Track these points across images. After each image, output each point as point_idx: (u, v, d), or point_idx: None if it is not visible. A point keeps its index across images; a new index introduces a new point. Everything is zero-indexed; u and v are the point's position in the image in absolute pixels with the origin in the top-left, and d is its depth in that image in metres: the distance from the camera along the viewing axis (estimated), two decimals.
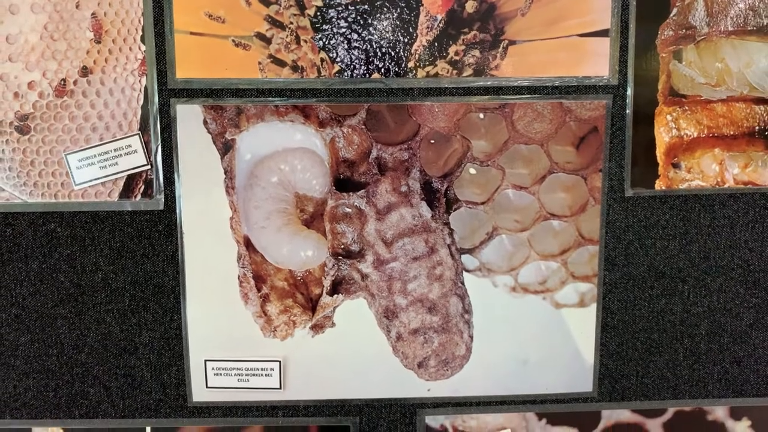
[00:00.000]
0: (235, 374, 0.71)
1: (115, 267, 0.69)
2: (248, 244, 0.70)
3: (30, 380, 0.71)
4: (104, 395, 0.72)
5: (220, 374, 0.71)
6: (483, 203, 0.70)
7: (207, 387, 0.71)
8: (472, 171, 0.69)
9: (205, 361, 0.71)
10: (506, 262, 0.71)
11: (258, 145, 0.68)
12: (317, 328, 0.71)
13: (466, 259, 0.70)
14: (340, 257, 0.70)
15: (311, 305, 0.71)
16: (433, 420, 0.73)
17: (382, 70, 0.67)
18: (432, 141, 0.68)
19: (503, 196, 0.70)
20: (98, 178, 0.68)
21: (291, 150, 0.69)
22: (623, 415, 0.74)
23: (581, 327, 0.72)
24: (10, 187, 0.68)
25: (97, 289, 0.70)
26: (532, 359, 0.72)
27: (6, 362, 0.71)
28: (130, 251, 0.69)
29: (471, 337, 0.72)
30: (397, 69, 0.67)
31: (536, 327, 0.72)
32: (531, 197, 0.70)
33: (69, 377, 0.71)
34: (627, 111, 0.69)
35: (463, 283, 0.71)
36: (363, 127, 0.68)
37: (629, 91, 0.68)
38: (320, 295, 0.71)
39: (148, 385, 0.72)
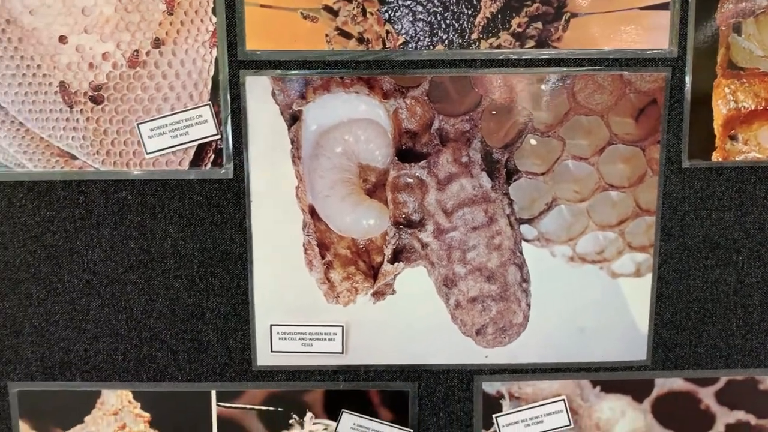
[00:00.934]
0: (299, 339, 0.73)
1: (184, 234, 0.72)
2: (313, 212, 0.72)
3: (100, 344, 0.74)
4: (171, 359, 0.74)
5: (285, 339, 0.73)
6: (543, 174, 0.71)
7: (271, 351, 0.74)
8: (533, 142, 0.70)
9: (270, 325, 0.73)
10: (565, 232, 0.72)
11: (323, 116, 0.70)
12: (378, 295, 0.73)
13: (524, 229, 0.72)
14: (401, 226, 0.72)
15: (373, 273, 0.73)
16: (489, 386, 0.75)
17: (446, 41, 0.68)
18: (493, 112, 0.70)
19: (563, 167, 0.71)
20: (169, 147, 0.70)
21: (355, 121, 0.70)
22: (676, 383, 0.76)
23: (636, 296, 0.73)
24: (84, 156, 0.70)
25: (166, 255, 0.72)
26: (588, 327, 0.74)
27: (77, 326, 0.73)
28: (199, 219, 0.71)
29: (528, 305, 0.73)
30: (460, 41, 0.68)
31: (592, 296, 0.73)
32: (590, 168, 0.71)
33: (138, 341, 0.74)
34: (686, 83, 0.70)
35: (521, 253, 0.72)
36: (426, 98, 0.69)
37: (688, 64, 0.69)
38: (381, 263, 0.72)
39: (214, 349, 0.74)
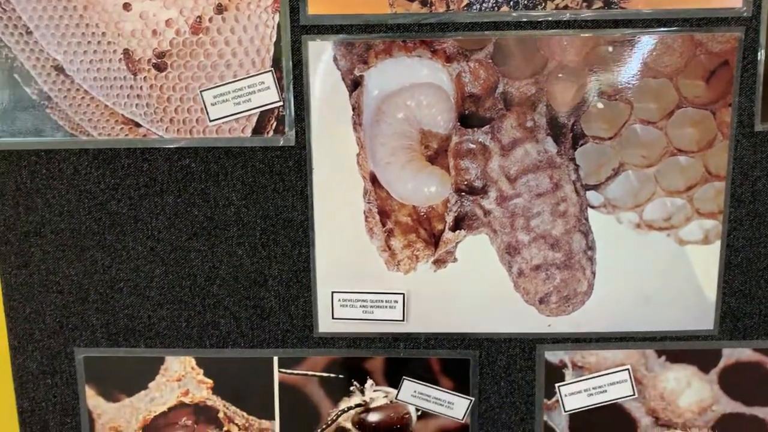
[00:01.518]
0: (360, 306, 0.73)
1: (246, 201, 0.72)
2: (374, 179, 0.71)
3: (164, 311, 0.75)
4: (234, 326, 0.75)
5: (346, 306, 0.73)
6: (610, 138, 0.69)
7: (333, 318, 0.74)
8: (600, 105, 0.69)
9: (332, 292, 0.73)
10: (631, 198, 0.70)
11: (385, 81, 0.69)
12: (439, 263, 0.73)
13: (590, 195, 0.71)
14: (463, 193, 0.71)
15: (434, 240, 0.72)
16: (552, 355, 0.74)
17: (511, 2, 0.67)
18: (559, 75, 0.68)
19: (630, 131, 0.69)
20: (232, 115, 0.70)
21: (417, 85, 0.69)
22: (744, 353, 0.74)
23: (704, 264, 0.72)
24: (148, 123, 0.71)
25: (229, 222, 0.72)
26: (654, 296, 0.72)
27: (141, 293, 0.74)
28: (261, 186, 0.72)
29: (593, 273, 0.72)
30: (526, 1, 0.66)
31: (659, 264, 0.72)
32: (658, 132, 0.69)
33: (201, 308, 0.75)
34: (760, 44, 0.67)
35: (587, 220, 0.71)
36: (490, 61, 0.68)
37: (762, 24, 0.67)
38: (443, 231, 0.72)
39: (276, 316, 0.74)
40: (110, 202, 0.72)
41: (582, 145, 0.70)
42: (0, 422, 0.78)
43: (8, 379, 0.77)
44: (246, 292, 0.74)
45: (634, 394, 0.74)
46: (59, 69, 0.70)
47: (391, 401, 0.75)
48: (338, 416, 0.75)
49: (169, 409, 0.76)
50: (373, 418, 0.75)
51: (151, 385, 0.76)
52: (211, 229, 0.73)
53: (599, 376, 0.74)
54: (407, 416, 0.76)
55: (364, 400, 0.75)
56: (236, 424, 0.76)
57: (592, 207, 0.71)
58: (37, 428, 0.77)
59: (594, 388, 0.74)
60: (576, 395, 0.74)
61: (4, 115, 0.71)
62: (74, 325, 0.75)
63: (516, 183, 0.70)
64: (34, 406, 0.77)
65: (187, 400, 0.76)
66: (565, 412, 0.75)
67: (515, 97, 0.69)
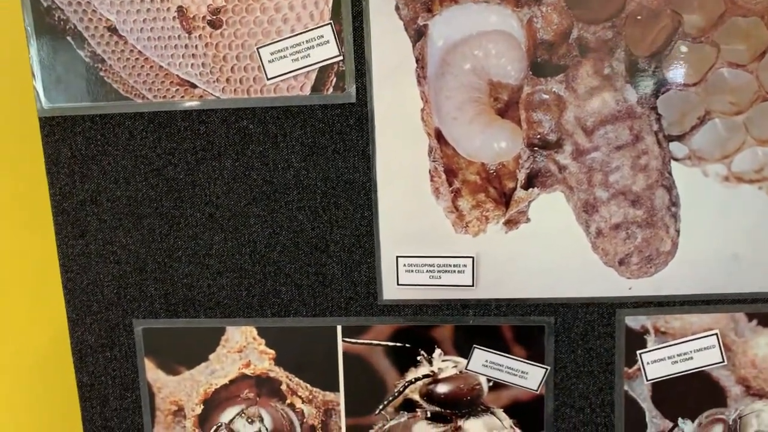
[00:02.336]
0: (426, 271, 0.70)
1: (306, 163, 0.69)
2: (439, 136, 0.67)
3: (223, 279, 0.72)
4: (296, 294, 0.72)
5: (412, 271, 0.70)
6: (694, 84, 0.64)
7: (398, 284, 0.70)
8: (683, 49, 0.64)
9: (397, 257, 0.70)
10: (719, 148, 0.65)
11: (451, 30, 0.65)
12: (511, 223, 0.68)
13: (674, 146, 0.66)
14: (535, 148, 0.67)
15: (504, 200, 0.68)
16: (633, 320, 0.69)
17: None
18: (639, 17, 0.63)
19: (717, 76, 0.64)
20: (291, 72, 0.67)
21: (485, 33, 0.65)
22: None
23: None
24: (204, 84, 0.68)
25: (289, 186, 0.69)
26: (744, 255, 0.67)
27: (200, 262, 0.72)
28: (321, 147, 0.68)
29: (677, 231, 0.67)
30: None
31: (749, 220, 0.66)
32: (748, 76, 0.64)
33: (261, 276, 0.72)
34: None
35: (670, 174, 0.66)
36: (563, 4, 0.64)
37: None
38: (514, 189, 0.68)
39: (338, 283, 0.71)
40: (167, 168, 0.70)
41: (664, 92, 0.65)
42: (60, 397, 0.77)
43: (67, 353, 0.75)
44: (307, 259, 0.71)
45: (722, 362, 0.69)
46: (112, 30, 0.68)
47: (460, 372, 0.72)
48: (405, 387, 0.72)
49: (231, 381, 0.74)
50: (441, 389, 0.72)
51: (212, 356, 0.74)
52: (271, 193, 0.70)
53: (684, 342, 0.69)
54: (478, 387, 0.72)
55: (432, 371, 0.72)
56: (299, 397, 0.73)
57: (676, 159, 0.66)
58: (96, 403, 0.76)
59: (679, 355, 0.69)
60: (659, 363, 0.70)
61: (57, 80, 0.69)
62: (132, 297, 0.73)
63: (593, 135, 0.66)
64: (94, 380, 0.75)
65: (248, 371, 0.73)
66: (648, 381, 0.70)
67: (591, 42, 0.64)
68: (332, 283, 0.71)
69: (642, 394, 0.71)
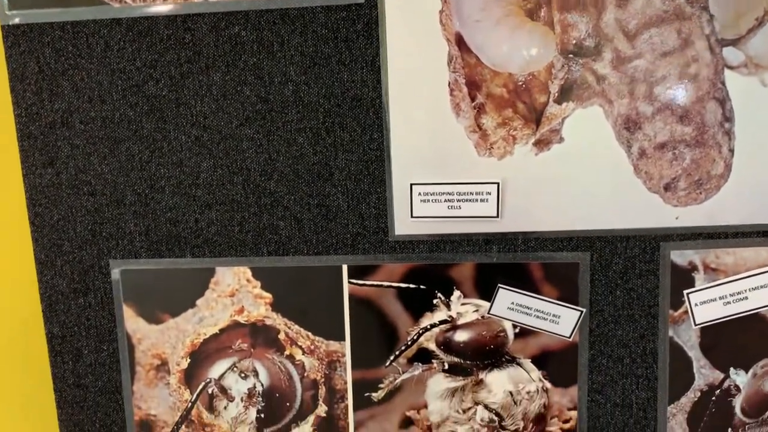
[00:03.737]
0: (445, 200, 0.61)
1: (307, 77, 0.60)
2: (460, 43, 0.59)
3: (213, 213, 0.64)
4: (295, 229, 0.63)
5: (428, 201, 0.61)
6: None
7: (412, 217, 0.62)
8: None
9: (411, 185, 0.61)
10: None
11: None
12: (542, 144, 0.60)
13: (728, 52, 0.57)
14: (570, 55, 0.58)
15: (535, 117, 0.60)
16: (679, 256, 0.61)
17: None
18: None
19: None
20: None
21: None
22: None
23: None
24: None
25: (287, 104, 0.61)
26: None
27: (186, 192, 0.63)
28: (324, 57, 0.60)
29: (731, 151, 0.59)
30: None
31: None
32: None
33: (256, 208, 0.63)
34: None
35: (723, 84, 0.58)
36: None
37: None
38: (546, 104, 0.59)
39: (344, 216, 0.63)
40: (148, 83, 0.61)
41: None
42: (28, 350, 0.68)
43: (35, 301, 0.66)
44: (309, 189, 0.62)
45: None
46: None
47: (482, 316, 0.63)
48: (419, 335, 0.63)
49: (221, 330, 0.65)
50: (460, 337, 0.63)
51: (200, 302, 0.65)
52: (266, 112, 0.61)
53: (738, 280, 0.61)
54: (502, 334, 0.63)
55: (450, 316, 0.63)
56: (300, 347, 0.65)
57: (730, 67, 0.58)
58: (68, 357, 0.67)
59: (731, 295, 0.61)
60: (709, 304, 0.61)
61: None
62: (109, 234, 0.65)
63: (636, 40, 0.57)
64: (65, 331, 0.67)
65: (242, 319, 0.65)
66: (696, 325, 0.62)
67: None
68: (337, 217, 0.63)
69: (689, 341, 0.62)
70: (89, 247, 0.65)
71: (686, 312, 0.62)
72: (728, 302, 0.61)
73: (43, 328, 0.67)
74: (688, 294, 0.61)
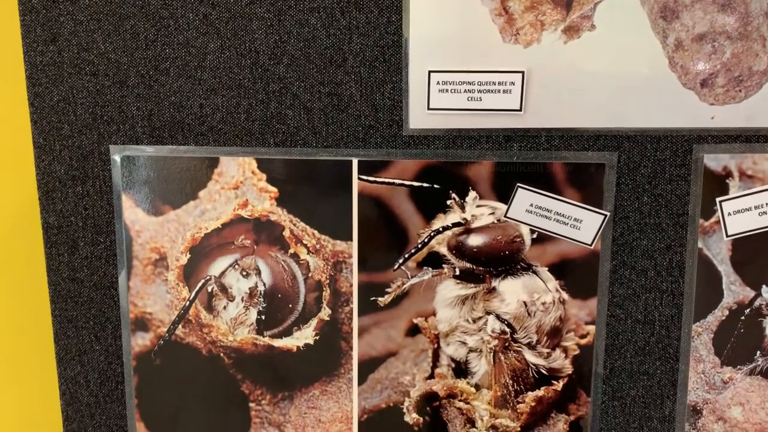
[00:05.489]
0: (465, 90, 0.57)
1: None
2: None
3: (218, 98, 0.60)
4: (304, 119, 0.60)
5: (446, 90, 0.57)
6: None
7: (428, 109, 0.58)
8: None
9: (429, 72, 0.57)
10: None
11: None
12: (571, 31, 0.56)
13: None
14: None
15: (565, 1, 0.56)
16: (713, 160, 0.57)
17: None
18: None
19: None
20: None
21: None
22: None
23: None
24: None
25: None
26: None
27: (191, 75, 0.60)
28: None
29: None
30: None
31: None
32: None
33: (263, 95, 0.60)
34: None
35: None
36: None
37: None
38: None
39: (356, 106, 0.59)
40: None
41: None
42: (22, 239, 0.65)
43: (32, 187, 0.63)
44: (320, 75, 0.59)
45: None
46: None
47: (498, 220, 0.59)
48: (431, 238, 0.60)
49: (224, 225, 0.62)
50: (474, 241, 0.60)
51: (202, 194, 0.62)
52: None
53: None
54: (518, 240, 0.60)
55: (464, 218, 0.60)
56: (305, 245, 0.61)
57: None
58: (64, 249, 0.64)
59: (767, 205, 0.57)
60: (742, 214, 0.57)
61: None
62: (110, 117, 0.61)
63: None
64: (61, 221, 0.64)
65: (245, 213, 0.62)
66: (728, 237, 0.58)
67: None
68: (348, 107, 0.59)
69: (720, 253, 0.58)
70: (89, 131, 0.62)
71: (718, 222, 0.58)
72: (764, 212, 0.57)
73: (39, 218, 0.64)
74: (720, 202, 0.57)
